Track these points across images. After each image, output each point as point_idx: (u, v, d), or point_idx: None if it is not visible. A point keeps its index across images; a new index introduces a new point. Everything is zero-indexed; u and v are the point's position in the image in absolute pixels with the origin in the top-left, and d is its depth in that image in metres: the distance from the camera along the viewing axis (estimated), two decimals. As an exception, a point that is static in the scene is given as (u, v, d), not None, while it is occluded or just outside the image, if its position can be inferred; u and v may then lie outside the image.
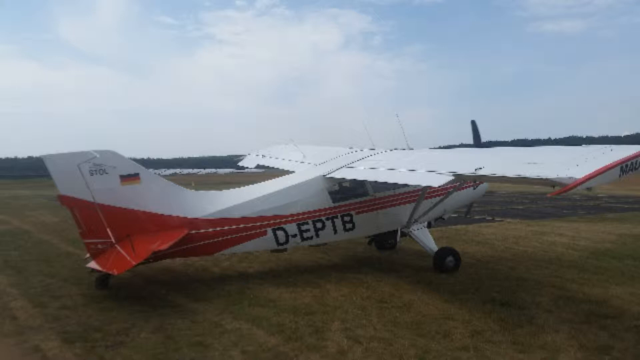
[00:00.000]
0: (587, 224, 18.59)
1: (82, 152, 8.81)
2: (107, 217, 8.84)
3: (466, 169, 7.98)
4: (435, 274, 10.47)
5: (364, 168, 10.50)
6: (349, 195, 10.90)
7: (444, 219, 12.65)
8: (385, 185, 10.91)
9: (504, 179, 7.38)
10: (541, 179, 6.56)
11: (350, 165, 10.89)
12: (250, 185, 11.02)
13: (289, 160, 14.54)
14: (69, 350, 6.40)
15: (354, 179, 10.71)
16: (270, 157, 16.17)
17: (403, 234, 11.38)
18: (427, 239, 11.28)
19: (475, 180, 11.55)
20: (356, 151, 12.30)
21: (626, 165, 6.19)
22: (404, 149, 12.15)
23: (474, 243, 14.16)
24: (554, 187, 6.39)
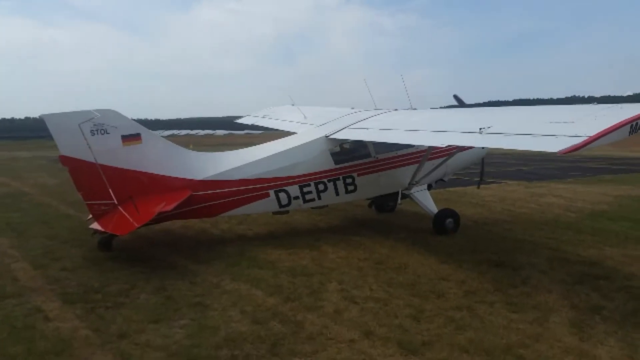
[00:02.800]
0: (584, 186, 18.65)
1: (83, 111, 8.66)
2: (109, 178, 8.76)
3: (471, 128, 7.86)
4: (432, 235, 10.57)
5: (368, 128, 10.40)
6: (351, 157, 10.79)
7: (444, 180, 12.63)
8: (386, 147, 10.82)
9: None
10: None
11: (353, 126, 10.76)
12: (252, 147, 10.91)
13: (290, 121, 14.43)
14: (70, 310, 6.53)
15: (356, 141, 10.67)
16: (270, 118, 16.09)
17: (404, 196, 11.40)
18: (427, 201, 11.29)
19: None
20: (358, 112, 12.15)
21: (636, 124, 6.14)
22: (407, 110, 12.05)
23: (472, 205, 14.24)
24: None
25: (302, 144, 10.54)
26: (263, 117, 16.48)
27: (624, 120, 6.09)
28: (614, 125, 6.03)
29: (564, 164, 28.23)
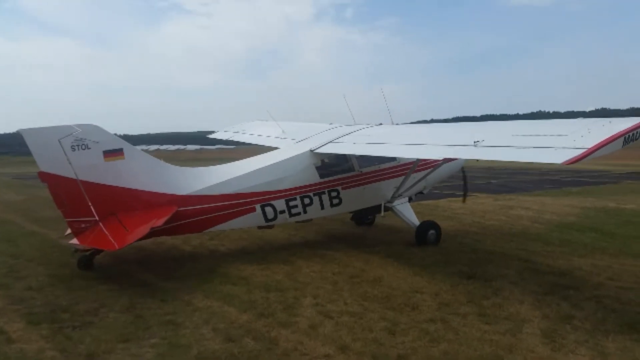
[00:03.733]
0: (552, 198, 19.10)
1: (63, 126, 8.41)
2: (90, 194, 8.49)
3: (465, 141, 8.04)
4: (405, 248, 10.64)
5: (356, 143, 10.49)
6: (336, 171, 10.86)
7: (423, 193, 12.85)
8: (370, 161, 11.02)
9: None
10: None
11: (338, 141, 10.84)
12: (237, 162, 10.84)
13: (267, 136, 14.43)
14: (35, 331, 6.28)
15: (340, 154, 10.74)
16: (245, 133, 16.00)
17: (386, 209, 11.44)
18: (409, 213, 11.45)
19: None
20: (339, 127, 12.27)
21: (629, 136, 6.40)
22: (390, 125, 12.26)
23: (443, 217, 14.39)
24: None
25: (287, 158, 10.52)
26: (238, 132, 16.37)
27: (619, 133, 6.36)
28: (610, 137, 6.30)
29: (532, 177, 28.90)
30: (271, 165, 10.29)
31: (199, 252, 10.56)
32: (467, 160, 12.46)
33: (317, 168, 10.61)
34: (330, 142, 10.82)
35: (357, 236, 12.15)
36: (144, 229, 8.36)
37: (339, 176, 10.81)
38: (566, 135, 6.96)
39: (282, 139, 13.23)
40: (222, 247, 10.88)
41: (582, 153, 6.19)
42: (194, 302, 7.35)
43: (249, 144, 15.63)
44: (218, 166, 10.52)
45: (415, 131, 10.62)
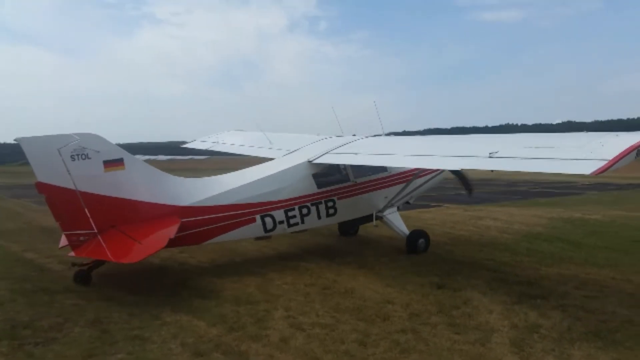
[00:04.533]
0: (520, 209, 19.50)
1: (62, 135, 8.13)
2: (89, 206, 8.20)
3: (479, 153, 8.24)
4: (377, 258, 10.68)
5: (357, 153, 10.56)
6: (332, 181, 10.96)
7: (409, 203, 13.06)
8: (363, 171, 11.27)
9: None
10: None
11: (335, 151, 10.90)
12: (235, 172, 10.71)
13: (250, 146, 14.35)
14: (-6, 349, 6.04)
15: (336, 165, 10.92)
16: (224, 143, 15.79)
17: (376, 218, 11.59)
18: (399, 222, 11.72)
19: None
20: (327, 138, 12.37)
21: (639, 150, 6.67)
22: (386, 135, 12.79)
23: (414, 228, 14.49)
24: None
25: (286, 169, 10.51)
26: (217, 142, 16.04)
27: (633, 145, 6.63)
28: (627, 149, 6.58)
29: (499, 188, 29.46)
30: (270, 175, 10.25)
31: (167, 265, 10.36)
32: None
33: (315, 178, 10.66)
34: (328, 152, 10.88)
35: (329, 248, 12.13)
36: (161, 241, 8.18)
37: (335, 186, 10.93)
38: (579, 147, 7.24)
39: (269, 149, 13.21)
40: (192, 260, 10.70)
41: (606, 164, 6.46)
42: (162, 316, 7.19)
43: (224, 154, 15.48)
44: (217, 177, 10.41)
45: (417, 143, 10.75)
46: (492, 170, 8.59)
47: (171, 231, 8.45)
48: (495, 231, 14.22)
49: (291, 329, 6.66)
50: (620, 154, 6.52)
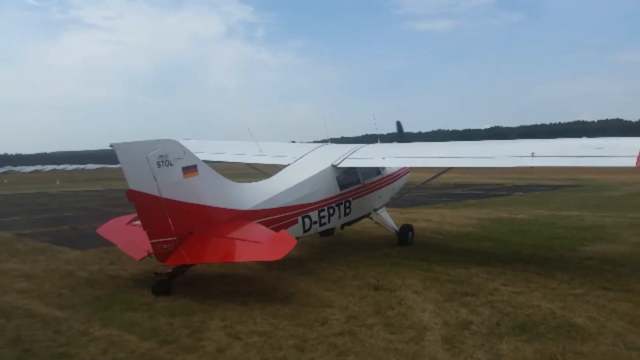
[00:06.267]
0: (451, 210, 20.28)
1: (149, 141, 8.06)
2: (171, 213, 8.14)
3: (523, 153, 9.89)
4: (316, 263, 10.75)
5: (382, 157, 11.80)
6: (349, 183, 11.88)
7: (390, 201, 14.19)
8: (367, 174, 12.47)
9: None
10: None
11: (352, 156, 11.78)
12: (272, 177, 11.16)
13: (239, 154, 14.13)
14: None
15: (351, 169, 11.83)
16: (203, 152, 15.18)
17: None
18: (388, 219, 13.23)
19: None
20: (326, 145, 13.49)
21: None
22: (392, 143, 14.37)
23: (353, 232, 14.72)
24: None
25: (317, 173, 11.12)
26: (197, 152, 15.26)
27: None
28: None
29: (433, 191, 30.47)
30: (308, 179, 10.83)
31: (97, 278, 9.88)
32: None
33: (337, 181, 11.49)
34: (347, 157, 11.72)
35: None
36: (292, 241, 8.41)
37: (351, 188, 11.93)
38: (602, 148, 9.28)
39: (263, 156, 13.52)
40: (124, 272, 10.28)
41: (638, 160, 8.49)
42: (90, 331, 6.84)
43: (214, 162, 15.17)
44: (260, 182, 10.68)
45: (423, 146, 12.85)
46: (532, 167, 10.29)
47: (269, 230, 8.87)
48: (429, 232, 14.69)
49: (228, 339, 6.53)
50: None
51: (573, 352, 5.90)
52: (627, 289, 8.50)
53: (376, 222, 13.14)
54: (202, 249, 8.36)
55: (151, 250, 8.34)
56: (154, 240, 8.17)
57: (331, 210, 11.23)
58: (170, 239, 8.23)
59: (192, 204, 8.48)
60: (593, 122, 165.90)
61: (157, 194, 8.01)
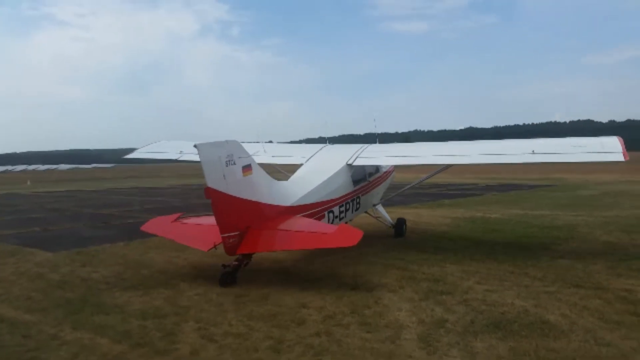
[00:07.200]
0: (427, 210, 20.45)
1: (220, 141, 8.66)
2: (236, 209, 8.77)
3: (524, 151, 10.98)
4: (292, 263, 10.70)
5: (396, 155, 12.87)
6: (359, 180, 12.83)
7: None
8: (371, 172, 13.57)
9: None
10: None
11: (362, 155, 12.55)
12: (296, 175, 11.93)
13: (255, 155, 13.99)
14: None
15: (360, 167, 12.66)
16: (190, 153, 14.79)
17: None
18: (385, 213, 14.38)
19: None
20: (327, 145, 14.17)
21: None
22: (403, 143, 15.14)
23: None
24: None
25: (337, 171, 11.92)
26: (188, 153, 14.45)
27: (623, 146, 10.04)
28: (623, 147, 10.00)
29: (409, 191, 30.63)
30: (330, 177, 11.55)
31: (68, 280, 9.66)
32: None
33: (352, 178, 12.43)
34: (358, 157, 12.50)
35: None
36: (359, 234, 8.83)
37: (360, 185, 12.90)
38: (585, 146, 10.49)
39: (276, 157, 14.05)
40: (95, 274, 10.07)
41: (624, 155, 9.79)
42: (61, 335, 6.68)
43: (134, 161, 14.86)
44: (290, 180, 11.52)
45: (448, 146, 13.02)
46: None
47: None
48: (405, 231, 14.73)
49: (202, 341, 6.43)
50: (624, 149, 9.90)
51: (546, 349, 5.98)
52: (598, 287, 8.66)
53: (375, 217, 14.41)
54: (271, 239, 9.16)
55: (217, 242, 8.91)
56: (225, 235, 8.69)
57: (348, 206, 12.18)
58: (235, 233, 8.83)
59: (250, 201, 9.11)
60: (565, 122, 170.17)
61: (226, 191, 8.63)
